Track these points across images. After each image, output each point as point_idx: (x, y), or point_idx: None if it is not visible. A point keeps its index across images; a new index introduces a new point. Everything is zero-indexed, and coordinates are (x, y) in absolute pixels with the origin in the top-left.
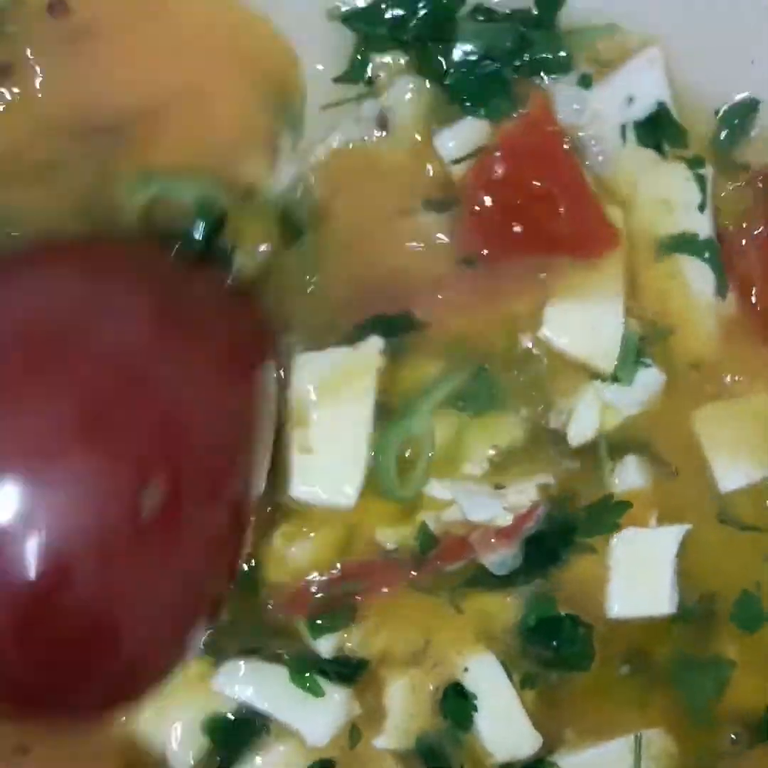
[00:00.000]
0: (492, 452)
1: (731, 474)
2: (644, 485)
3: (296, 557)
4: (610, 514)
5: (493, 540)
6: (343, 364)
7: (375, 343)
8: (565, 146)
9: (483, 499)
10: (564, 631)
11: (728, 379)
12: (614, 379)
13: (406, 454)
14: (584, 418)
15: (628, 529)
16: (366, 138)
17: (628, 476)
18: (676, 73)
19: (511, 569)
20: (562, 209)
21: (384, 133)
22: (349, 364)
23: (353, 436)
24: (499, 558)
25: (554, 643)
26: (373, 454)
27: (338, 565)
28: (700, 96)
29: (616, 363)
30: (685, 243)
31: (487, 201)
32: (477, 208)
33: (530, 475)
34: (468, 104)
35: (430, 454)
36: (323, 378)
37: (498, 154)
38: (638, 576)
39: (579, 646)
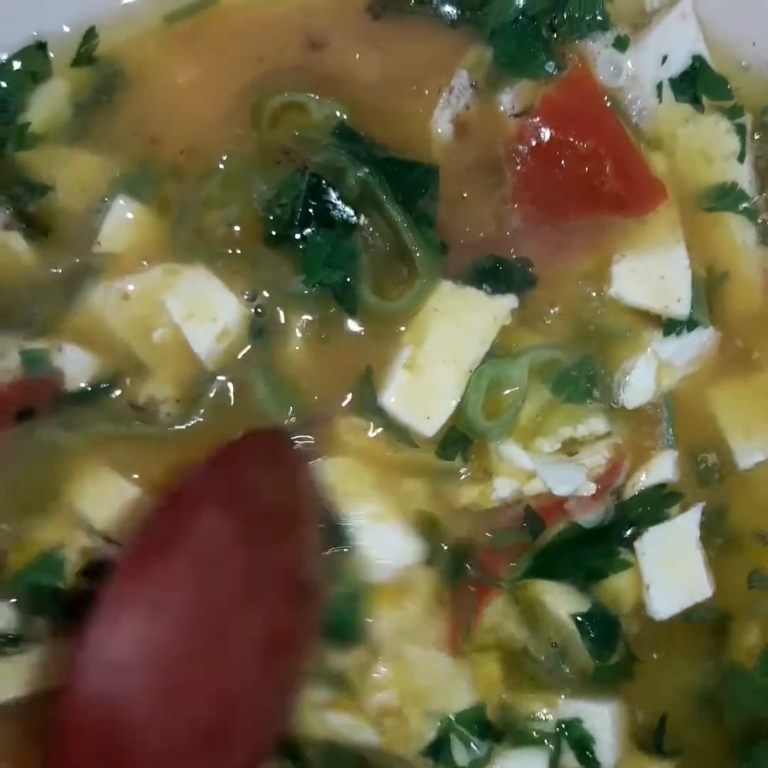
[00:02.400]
0: (568, 436)
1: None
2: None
3: None
4: (661, 504)
5: (587, 504)
6: (474, 306)
7: (510, 301)
8: (606, 105)
9: (565, 473)
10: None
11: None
12: (692, 324)
13: (497, 395)
14: (641, 378)
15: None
16: (468, 106)
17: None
18: (709, 25)
19: (604, 522)
20: (607, 168)
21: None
22: (481, 309)
23: (456, 376)
24: (593, 516)
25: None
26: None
27: None
28: (734, 46)
29: (689, 308)
30: (724, 193)
31: (531, 164)
32: (522, 171)
33: (597, 437)
34: (510, 66)
35: (519, 405)
36: (451, 310)
37: (537, 118)
38: (672, 569)
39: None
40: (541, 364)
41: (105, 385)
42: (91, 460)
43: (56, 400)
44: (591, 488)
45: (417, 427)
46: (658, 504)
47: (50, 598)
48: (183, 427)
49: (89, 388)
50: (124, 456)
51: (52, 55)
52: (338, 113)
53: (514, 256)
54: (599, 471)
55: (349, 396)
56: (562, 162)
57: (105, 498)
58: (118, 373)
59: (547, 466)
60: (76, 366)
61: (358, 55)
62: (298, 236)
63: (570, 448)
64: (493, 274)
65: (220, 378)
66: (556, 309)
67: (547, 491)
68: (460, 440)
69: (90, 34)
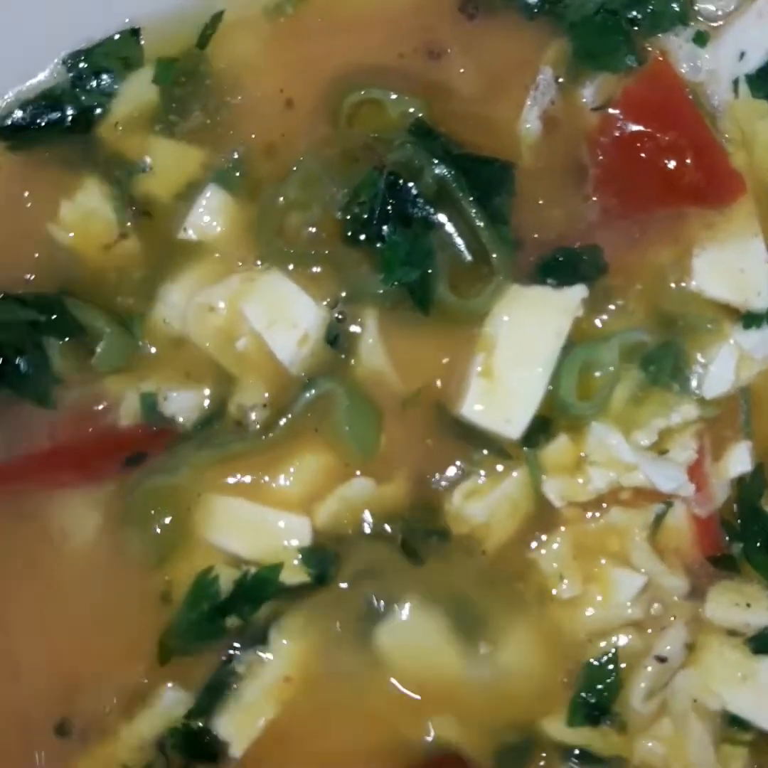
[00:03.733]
0: (663, 426)
1: None
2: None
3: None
4: None
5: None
6: (542, 303)
7: (579, 291)
8: (688, 98)
9: (668, 470)
10: None
11: None
12: None
13: (589, 377)
14: (722, 369)
15: None
16: (554, 102)
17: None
18: None
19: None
20: (688, 160)
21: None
22: (549, 305)
23: (534, 374)
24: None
25: None
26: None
27: None
28: None
29: None
30: None
31: (612, 156)
32: (604, 163)
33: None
34: (591, 59)
35: (612, 385)
36: (521, 311)
37: (618, 110)
38: None
39: None
40: (629, 346)
41: (212, 417)
42: (201, 489)
43: (169, 445)
44: (690, 489)
45: (500, 432)
46: None
47: None
48: (271, 435)
49: (199, 425)
50: (219, 475)
51: (143, 43)
52: (414, 110)
53: (580, 245)
54: (691, 463)
55: None
56: (643, 154)
57: (232, 523)
58: (221, 398)
59: (649, 461)
60: (184, 408)
61: (452, 59)
62: (376, 235)
63: (661, 445)
64: (557, 267)
65: (305, 390)
66: (630, 296)
67: (644, 485)
68: (543, 425)
69: (216, 18)
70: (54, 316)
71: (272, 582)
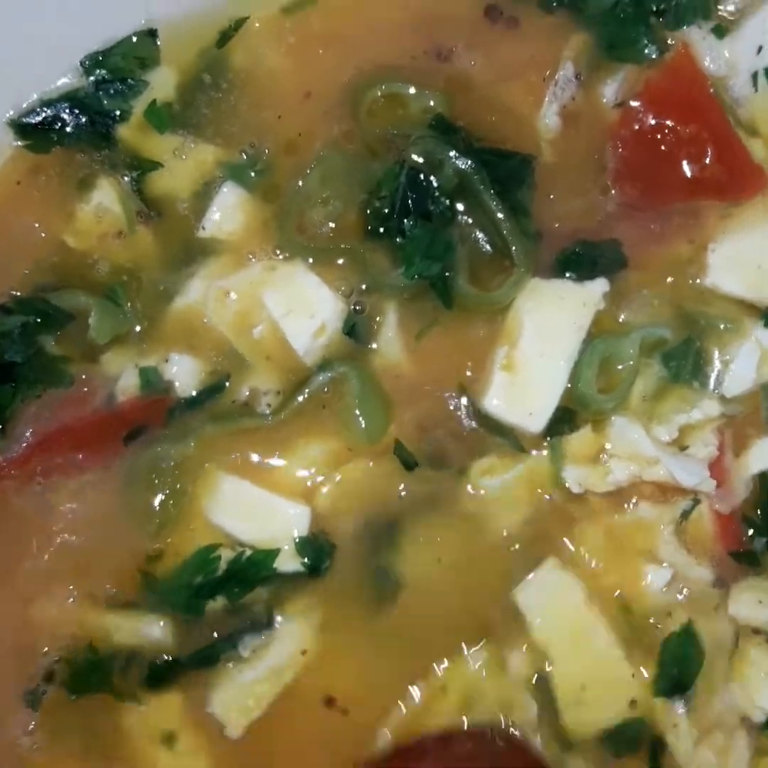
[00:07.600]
0: (684, 422)
1: None
2: None
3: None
4: None
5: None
6: (565, 296)
7: (600, 285)
8: (709, 91)
9: (689, 465)
10: None
11: None
12: None
13: (609, 371)
14: (743, 367)
15: None
16: (574, 98)
17: None
18: None
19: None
20: (709, 153)
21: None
22: (570, 298)
23: (556, 367)
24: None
25: None
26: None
27: None
28: None
29: None
30: None
31: (632, 148)
32: (623, 155)
33: (703, 424)
34: (612, 50)
35: (631, 380)
36: (543, 304)
37: (640, 102)
38: None
39: None
40: (650, 342)
41: (213, 388)
42: (206, 465)
43: (166, 414)
44: (712, 485)
45: (523, 425)
46: None
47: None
48: (282, 415)
49: (198, 395)
50: (225, 451)
51: (160, 43)
52: (434, 105)
53: (600, 239)
54: (713, 459)
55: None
56: (664, 146)
57: (234, 504)
58: (224, 373)
59: (670, 456)
60: (185, 374)
61: (472, 61)
62: (397, 229)
63: (681, 440)
64: (577, 260)
65: (319, 373)
66: (650, 291)
67: (665, 480)
68: (567, 417)
69: (240, 22)
70: (38, 319)
71: (267, 566)
